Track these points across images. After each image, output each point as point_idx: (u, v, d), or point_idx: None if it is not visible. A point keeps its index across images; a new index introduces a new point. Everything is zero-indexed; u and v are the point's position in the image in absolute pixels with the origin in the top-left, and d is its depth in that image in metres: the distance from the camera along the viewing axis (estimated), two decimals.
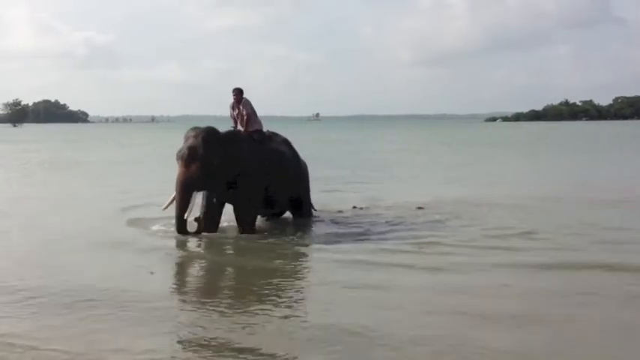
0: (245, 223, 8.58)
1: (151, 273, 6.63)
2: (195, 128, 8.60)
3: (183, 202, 8.13)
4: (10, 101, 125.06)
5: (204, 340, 4.61)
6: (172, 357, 4.36)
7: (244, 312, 5.23)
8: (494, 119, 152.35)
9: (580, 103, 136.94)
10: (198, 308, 5.40)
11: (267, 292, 5.86)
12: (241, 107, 9.01)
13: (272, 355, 4.32)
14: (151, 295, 5.72)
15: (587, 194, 12.49)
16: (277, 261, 7.10)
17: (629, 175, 17.27)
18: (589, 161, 22.68)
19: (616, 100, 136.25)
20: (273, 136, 9.38)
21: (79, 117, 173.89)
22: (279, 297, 5.71)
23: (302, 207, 9.64)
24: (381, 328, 4.77)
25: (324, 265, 6.99)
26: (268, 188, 8.82)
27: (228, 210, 8.79)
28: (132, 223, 9.31)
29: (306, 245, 8.06)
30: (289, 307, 5.44)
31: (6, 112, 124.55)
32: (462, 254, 7.27)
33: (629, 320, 5.04)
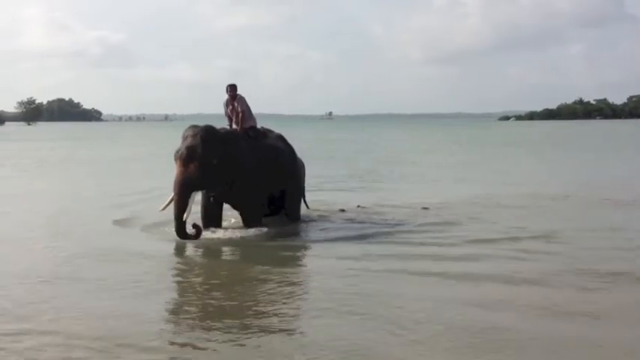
0: (252, 224, 8.53)
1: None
2: (193, 127, 8.39)
3: (181, 202, 7.91)
4: (25, 100, 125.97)
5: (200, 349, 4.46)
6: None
7: (244, 316, 5.09)
8: (507, 118, 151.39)
9: (594, 102, 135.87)
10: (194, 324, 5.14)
11: (264, 299, 5.69)
12: (236, 104, 8.85)
13: None
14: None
15: (603, 193, 12.25)
16: (267, 267, 6.75)
17: None
18: (604, 160, 22.32)
19: (630, 98, 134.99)
20: (267, 133, 9.21)
21: (93, 115, 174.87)
22: (277, 305, 5.53)
23: (291, 205, 9.29)
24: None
25: (318, 269, 6.74)
26: (267, 185, 8.70)
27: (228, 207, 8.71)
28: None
29: (301, 248, 7.84)
30: (286, 320, 5.22)
31: (20, 110, 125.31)
32: (461, 259, 6.99)
33: None
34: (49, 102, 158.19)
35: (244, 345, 4.48)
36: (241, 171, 8.30)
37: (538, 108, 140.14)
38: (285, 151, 9.14)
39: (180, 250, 7.69)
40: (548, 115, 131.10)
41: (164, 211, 8.24)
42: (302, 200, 9.66)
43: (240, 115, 8.78)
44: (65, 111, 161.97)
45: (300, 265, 7.20)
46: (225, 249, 7.89)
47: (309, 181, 10.45)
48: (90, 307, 5.27)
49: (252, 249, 7.75)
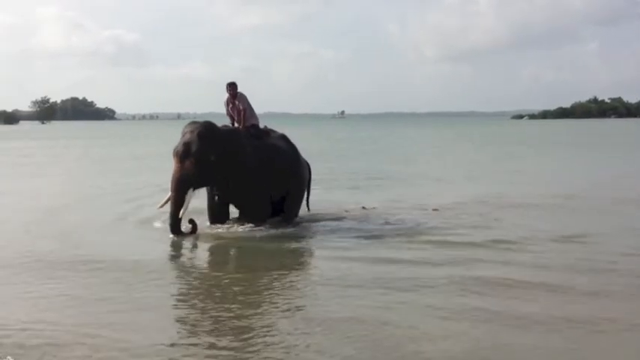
0: (254, 224, 8.37)
1: None
2: (192, 123, 8.31)
3: (178, 199, 7.82)
4: (39, 99, 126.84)
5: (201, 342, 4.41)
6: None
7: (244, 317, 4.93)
8: (520, 117, 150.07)
9: (609, 101, 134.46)
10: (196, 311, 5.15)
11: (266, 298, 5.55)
12: (237, 102, 8.68)
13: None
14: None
15: (621, 193, 12.06)
16: (267, 269, 6.54)
17: None
18: (618, 159, 21.91)
19: None
20: (270, 132, 9.01)
21: (107, 114, 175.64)
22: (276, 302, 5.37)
23: (289, 206, 8.97)
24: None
25: (319, 273, 6.51)
26: (269, 185, 8.51)
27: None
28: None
29: (301, 249, 7.63)
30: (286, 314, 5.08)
31: (35, 109, 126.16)
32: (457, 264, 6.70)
33: None
34: (62, 101, 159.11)
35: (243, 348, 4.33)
36: (242, 170, 8.13)
37: (552, 107, 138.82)
38: (287, 150, 8.94)
39: (176, 248, 7.64)
40: (562, 113, 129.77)
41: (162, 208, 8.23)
42: (304, 202, 9.41)
43: (242, 113, 8.62)
44: (79, 110, 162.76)
45: (300, 268, 6.90)
46: (225, 249, 7.73)
47: (315, 179, 10.12)
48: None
49: (252, 249, 7.56)
